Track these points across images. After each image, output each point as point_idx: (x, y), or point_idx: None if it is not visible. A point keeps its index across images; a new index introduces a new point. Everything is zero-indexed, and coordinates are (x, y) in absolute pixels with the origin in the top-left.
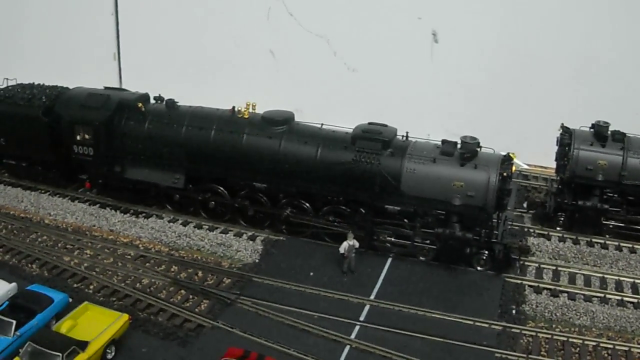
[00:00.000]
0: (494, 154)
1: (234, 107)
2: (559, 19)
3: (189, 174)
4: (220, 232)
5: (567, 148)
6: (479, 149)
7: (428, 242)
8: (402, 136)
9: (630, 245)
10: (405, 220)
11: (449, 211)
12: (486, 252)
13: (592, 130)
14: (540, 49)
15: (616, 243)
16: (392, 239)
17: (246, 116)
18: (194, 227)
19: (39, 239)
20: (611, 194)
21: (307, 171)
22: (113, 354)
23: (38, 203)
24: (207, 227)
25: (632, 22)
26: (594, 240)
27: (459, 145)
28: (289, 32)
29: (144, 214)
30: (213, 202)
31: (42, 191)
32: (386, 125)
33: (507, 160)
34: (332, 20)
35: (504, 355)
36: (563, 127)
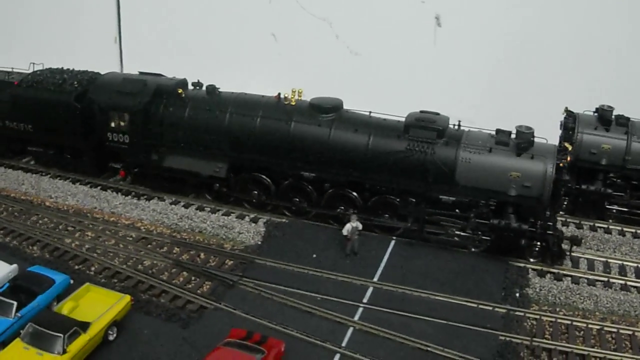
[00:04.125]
0: (549, 144)
1: (279, 94)
2: (563, 3)
3: (231, 163)
4: (223, 214)
5: (571, 132)
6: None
7: (480, 233)
8: (454, 125)
9: (633, 230)
10: (457, 210)
11: (505, 202)
12: (539, 243)
13: (596, 114)
14: (543, 32)
15: (619, 228)
16: (458, 232)
17: (293, 103)
18: (196, 209)
19: (40, 221)
20: (615, 179)
21: (358, 160)
22: (115, 335)
23: (39, 185)
24: (209, 209)
25: (637, 5)
26: (597, 224)
27: (512, 135)
28: (291, 15)
29: (145, 196)
30: (258, 193)
31: (43, 173)
32: (438, 114)
33: (563, 150)
34: (334, 4)
35: (507, 338)
36: (567, 111)
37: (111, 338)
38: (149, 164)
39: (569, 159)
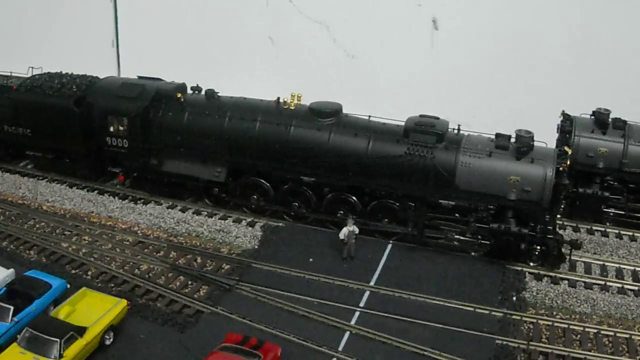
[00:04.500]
0: (549, 148)
1: (278, 98)
2: (560, 5)
3: (230, 167)
4: (219, 219)
5: (567, 135)
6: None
7: (479, 237)
8: (454, 129)
9: (630, 233)
10: (457, 215)
11: (504, 206)
12: (539, 247)
13: (593, 117)
14: (540, 35)
15: (616, 231)
16: (457, 236)
17: (292, 107)
18: (193, 213)
19: (37, 225)
20: (612, 182)
21: (357, 165)
22: (111, 339)
23: (36, 189)
24: (206, 213)
25: (634, 8)
26: (594, 228)
27: (512, 139)
28: (288, 18)
29: (142, 200)
30: (255, 196)
31: (40, 177)
32: (438, 118)
33: (563, 154)
34: (331, 7)
35: (504, 342)
36: (564, 114)
37: (108, 343)
38: (148, 169)
39: (568, 162)
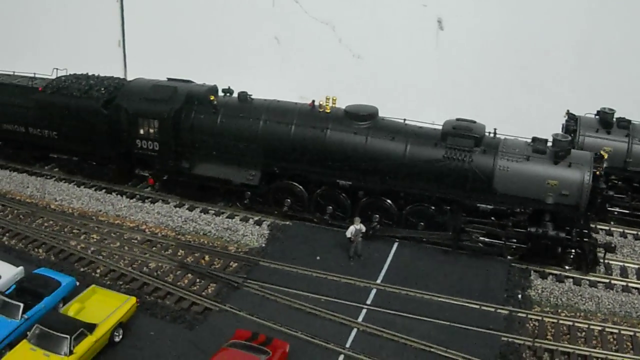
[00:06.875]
0: (585, 152)
1: (313, 101)
2: (564, 6)
3: (264, 171)
4: (227, 217)
5: (572, 135)
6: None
7: (515, 240)
8: (490, 133)
9: (634, 232)
10: (493, 218)
11: (542, 210)
12: (574, 251)
13: (597, 117)
14: (545, 35)
15: (621, 230)
16: (485, 239)
17: (328, 110)
18: (200, 211)
19: (45, 224)
20: (616, 181)
21: (395, 168)
22: (120, 336)
23: (44, 188)
24: (213, 212)
25: (638, 8)
26: (598, 226)
27: (548, 143)
28: (295, 18)
29: (150, 199)
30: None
31: (48, 177)
32: (475, 122)
33: (600, 158)
34: (337, 7)
35: (510, 339)
36: (568, 113)
37: (117, 339)
38: (179, 172)
39: (605, 166)
